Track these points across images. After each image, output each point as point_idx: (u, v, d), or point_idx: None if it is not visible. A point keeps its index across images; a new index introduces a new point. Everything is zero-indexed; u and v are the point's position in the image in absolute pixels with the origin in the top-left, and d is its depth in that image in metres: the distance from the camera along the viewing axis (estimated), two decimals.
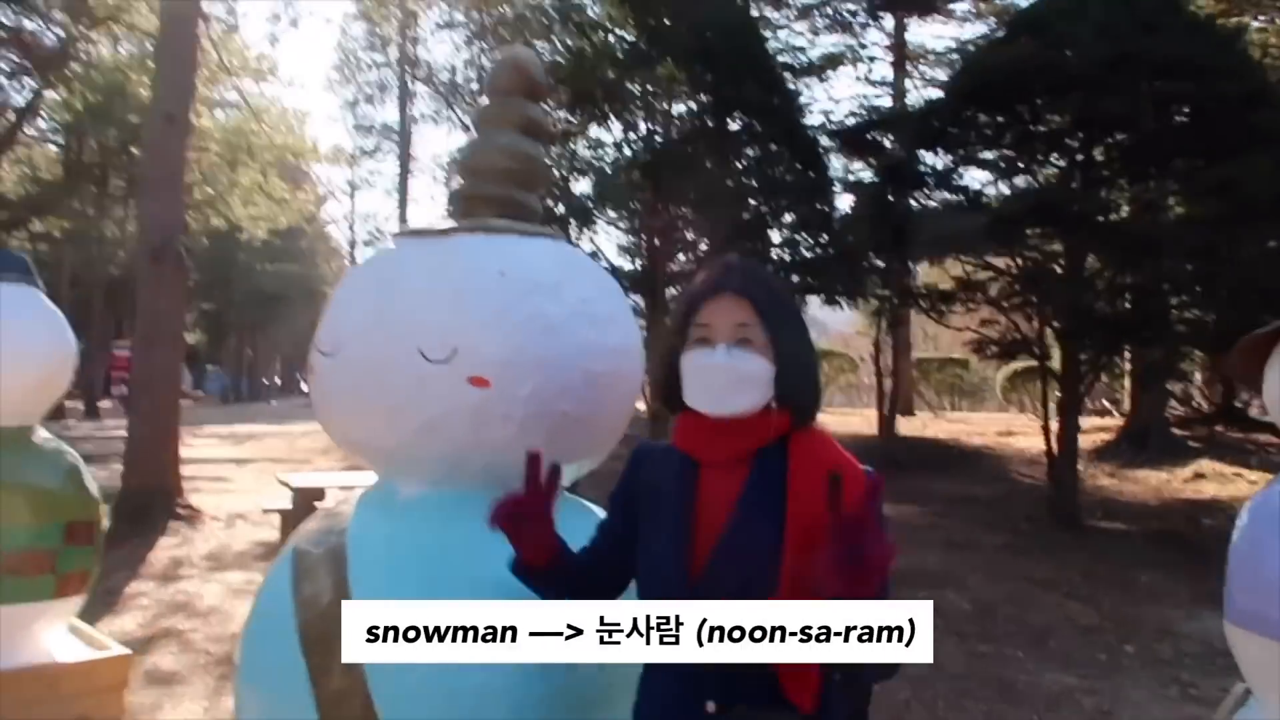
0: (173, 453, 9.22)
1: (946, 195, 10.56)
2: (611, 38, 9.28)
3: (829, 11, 21.76)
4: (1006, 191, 10.96)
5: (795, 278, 9.95)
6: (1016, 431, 16.88)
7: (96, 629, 3.49)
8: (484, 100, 2.26)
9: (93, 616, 5.70)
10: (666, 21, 8.37)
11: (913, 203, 10.73)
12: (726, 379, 1.39)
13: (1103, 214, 8.72)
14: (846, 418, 19.21)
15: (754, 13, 11.60)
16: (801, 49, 17.49)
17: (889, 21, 22.86)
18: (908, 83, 22.95)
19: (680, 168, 8.92)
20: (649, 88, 9.29)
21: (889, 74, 23.09)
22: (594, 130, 9.98)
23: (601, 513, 2.03)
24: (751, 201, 9.36)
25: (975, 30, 22.11)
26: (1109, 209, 9.03)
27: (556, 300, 1.97)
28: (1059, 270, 9.98)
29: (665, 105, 9.53)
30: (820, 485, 1.25)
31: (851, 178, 11.95)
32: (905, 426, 17.19)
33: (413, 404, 1.88)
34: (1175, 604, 7.00)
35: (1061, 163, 10.06)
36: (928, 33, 26.56)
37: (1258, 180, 7.73)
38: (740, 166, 9.27)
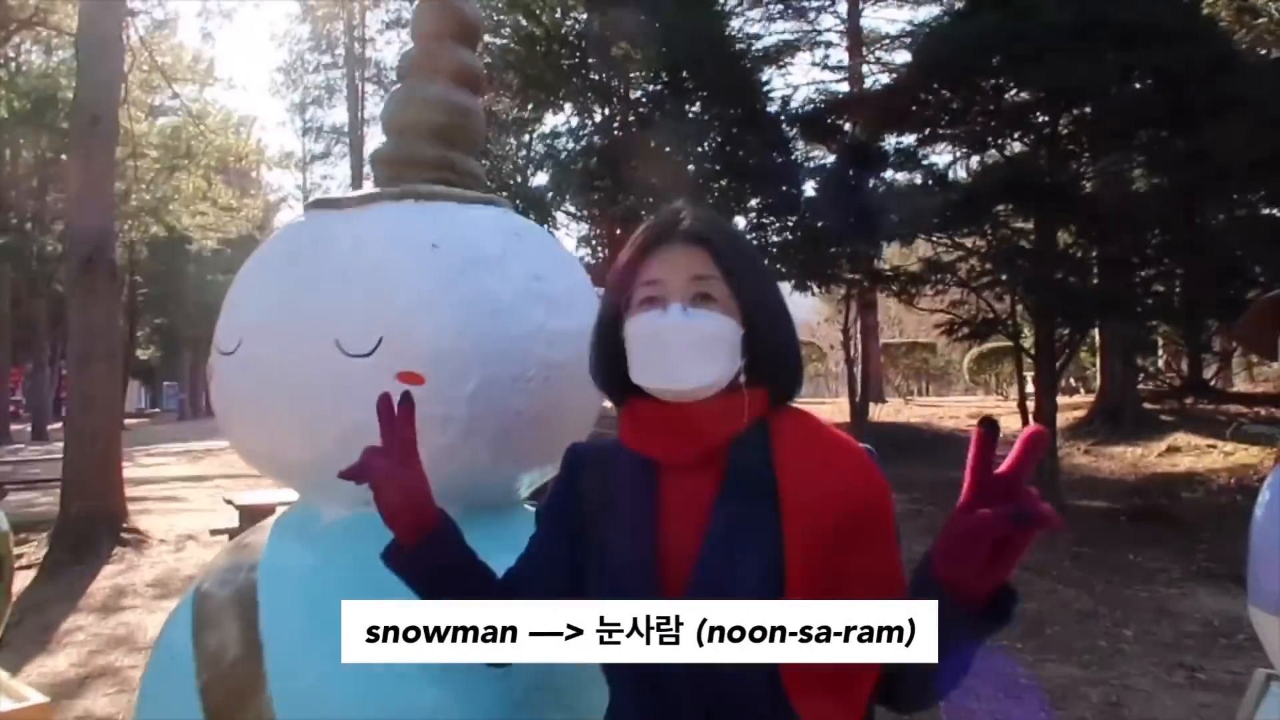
0: (116, 475, 8.70)
1: (912, 175, 10.33)
2: (564, 18, 8.92)
3: None
4: (971, 169, 10.78)
5: (765, 263, 9.64)
6: (989, 413, 16.77)
7: (22, 672, 3.07)
8: (409, 48, 1.90)
9: (22, 658, 5.26)
10: (620, 2, 8.03)
11: (878, 183, 10.49)
12: (684, 342, 1.12)
13: (1074, 187, 8.51)
14: (818, 407, 18.94)
15: None
16: (757, 36, 17.32)
17: (843, 7, 22.76)
18: (865, 68, 22.82)
19: (640, 153, 8.58)
20: (603, 74, 8.92)
21: (845, 59, 22.95)
22: (549, 120, 9.65)
23: None
24: (715, 186, 9.04)
25: (929, 13, 22.01)
26: (1080, 182, 8.83)
27: (502, 276, 1.63)
28: (1029, 247, 9.79)
29: (622, 89, 9.17)
30: (820, 471, 1.08)
31: (813, 164, 11.71)
32: (877, 413, 17.03)
33: (330, 408, 1.54)
34: (1167, 582, 6.82)
35: (1028, 138, 9.85)
36: (882, 17, 26.42)
37: (1230, 147, 7.56)
38: (703, 150, 8.93)
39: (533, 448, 1.71)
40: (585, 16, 8.56)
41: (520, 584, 1.24)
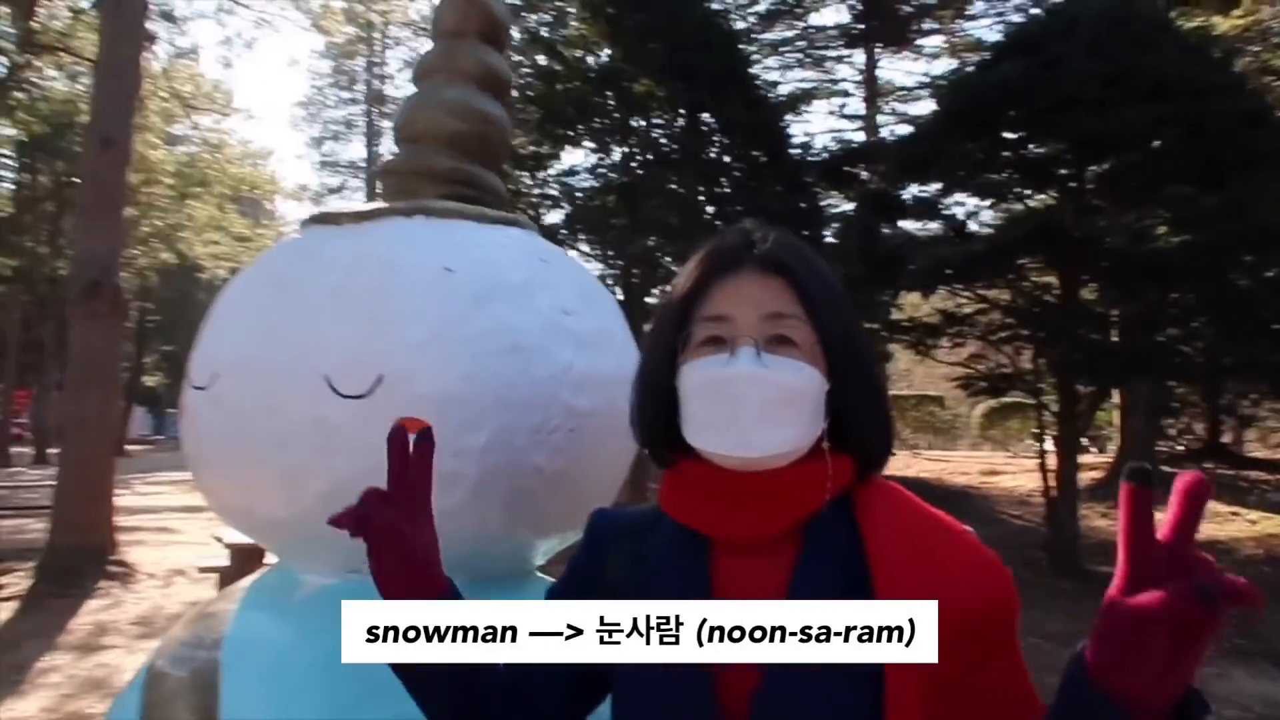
0: (106, 504, 8.43)
1: (933, 224, 10.14)
2: (585, 56, 8.77)
3: (801, 46, 21.71)
4: (992, 220, 10.58)
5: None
6: (1001, 470, 16.42)
7: None
8: (428, 49, 1.68)
9: None
10: (644, 39, 7.87)
11: (897, 233, 10.30)
12: (758, 398, 0.90)
13: (1100, 241, 8.30)
14: None
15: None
16: (775, 83, 17.28)
17: (860, 57, 22.82)
18: (880, 118, 22.83)
19: (659, 193, 8.37)
20: (623, 112, 8.75)
21: (862, 109, 22.97)
22: (566, 157, 9.47)
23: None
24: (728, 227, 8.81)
25: (945, 66, 22.11)
26: (1108, 235, 8.62)
27: (525, 309, 1.39)
28: (1053, 300, 9.55)
29: (642, 127, 9.00)
30: (926, 561, 0.89)
31: (833, 210, 11.54)
32: (887, 467, 16.69)
33: (316, 457, 1.30)
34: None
35: (1052, 190, 9.67)
36: (899, 69, 26.56)
37: (1263, 205, 7.35)
38: (723, 192, 8.73)
39: (553, 511, 1.46)
40: (608, 53, 8.43)
41: (525, 685, 1.00)
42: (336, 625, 1.34)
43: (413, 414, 1.29)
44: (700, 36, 8.11)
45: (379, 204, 1.50)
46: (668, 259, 8.54)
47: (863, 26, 21.40)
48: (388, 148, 34.89)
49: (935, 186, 10.20)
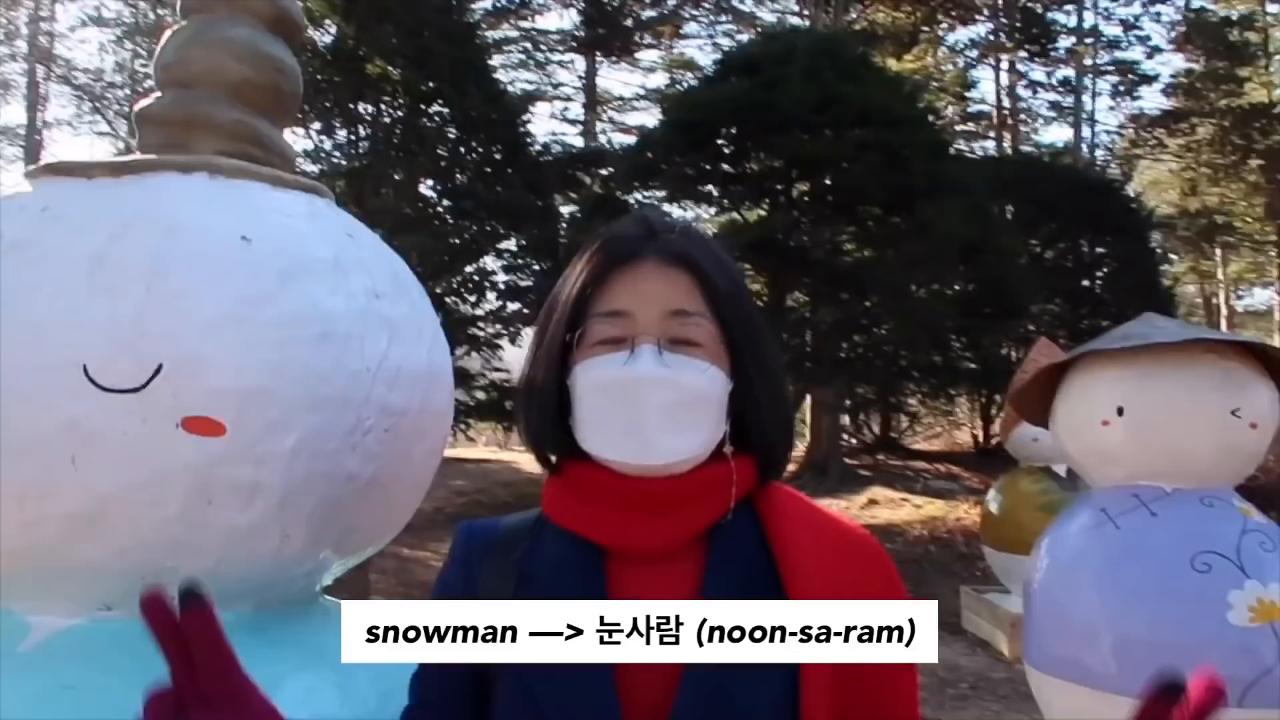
0: None
1: None
2: (311, 30, 8.15)
3: (525, 47, 21.76)
4: (713, 229, 11.18)
5: (520, 307, 9.30)
6: None
7: None
8: None
9: None
10: (380, 20, 7.42)
11: None
12: (660, 402, 0.84)
13: (810, 252, 9.04)
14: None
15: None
16: (500, 81, 17.13)
17: (581, 64, 23.26)
18: (598, 125, 23.39)
19: (388, 182, 7.95)
20: (353, 94, 8.21)
21: (581, 114, 23.41)
22: (288, 136, 8.71)
23: None
24: (467, 224, 8.59)
25: (661, 80, 23.14)
26: (822, 247, 9.39)
27: (338, 290, 1.19)
28: (761, 306, 10.26)
29: (373, 110, 8.51)
30: (835, 573, 0.87)
31: (567, 212, 11.67)
32: None
33: (66, 469, 1.03)
34: None
35: (766, 203, 10.37)
36: (616, 79, 27.37)
37: (944, 225, 8.33)
38: (458, 185, 8.48)
39: (361, 524, 1.27)
40: (335, 31, 7.88)
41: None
42: (86, 678, 1.07)
43: (202, 413, 1.06)
44: (439, 23, 7.81)
45: (144, 156, 1.22)
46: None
47: (584, 34, 21.82)
48: (55, 114, 30.66)
49: (660, 194, 10.60)
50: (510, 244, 9.22)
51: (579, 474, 0.89)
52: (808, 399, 16.61)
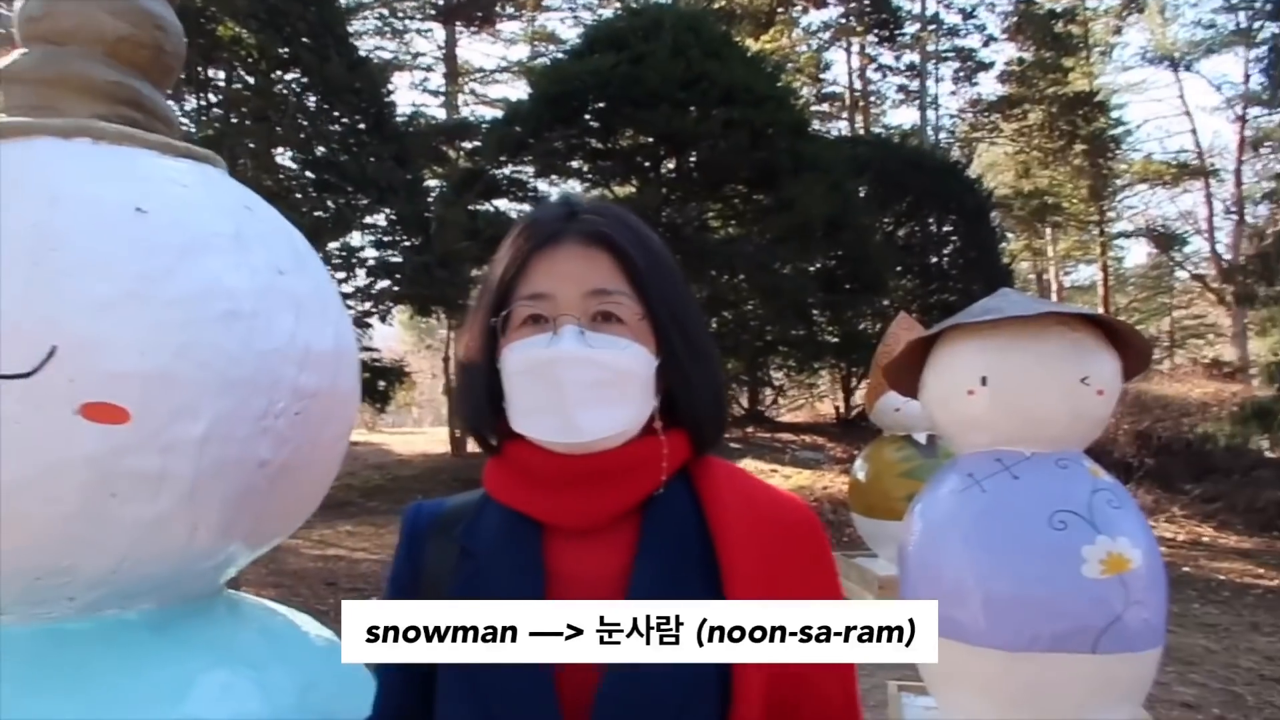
0: None
1: (527, 206, 10.40)
2: None
3: (381, 14, 20.99)
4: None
5: (389, 284, 8.97)
6: None
7: None
8: None
9: None
10: None
11: (492, 210, 10.42)
12: (583, 380, 0.85)
13: (686, 228, 9.14)
14: (411, 438, 18.47)
15: None
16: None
17: (440, 33, 22.63)
18: (460, 98, 22.88)
19: (244, 153, 7.51)
20: (197, 60, 7.68)
21: (442, 85, 22.82)
22: None
23: (307, 624, 1.25)
24: (332, 199, 8.22)
25: (522, 53, 22.81)
26: (691, 224, 9.51)
27: (240, 265, 1.12)
28: None
29: (225, 75, 7.99)
30: (769, 545, 0.88)
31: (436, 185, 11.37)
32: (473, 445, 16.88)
33: None
34: None
35: (634, 179, 10.41)
36: (477, 50, 26.69)
37: (807, 203, 8.58)
38: (320, 157, 8.09)
39: (271, 513, 1.22)
40: None
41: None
42: (23, 684, 0.98)
43: (102, 398, 0.98)
44: None
45: (16, 119, 1.11)
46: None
47: (443, 2, 21.22)
48: None
49: (529, 169, 10.48)
50: (379, 219, 8.91)
51: (516, 453, 0.90)
52: None
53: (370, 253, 9.11)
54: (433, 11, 21.58)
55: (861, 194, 11.72)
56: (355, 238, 9.04)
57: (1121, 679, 2.33)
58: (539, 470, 0.88)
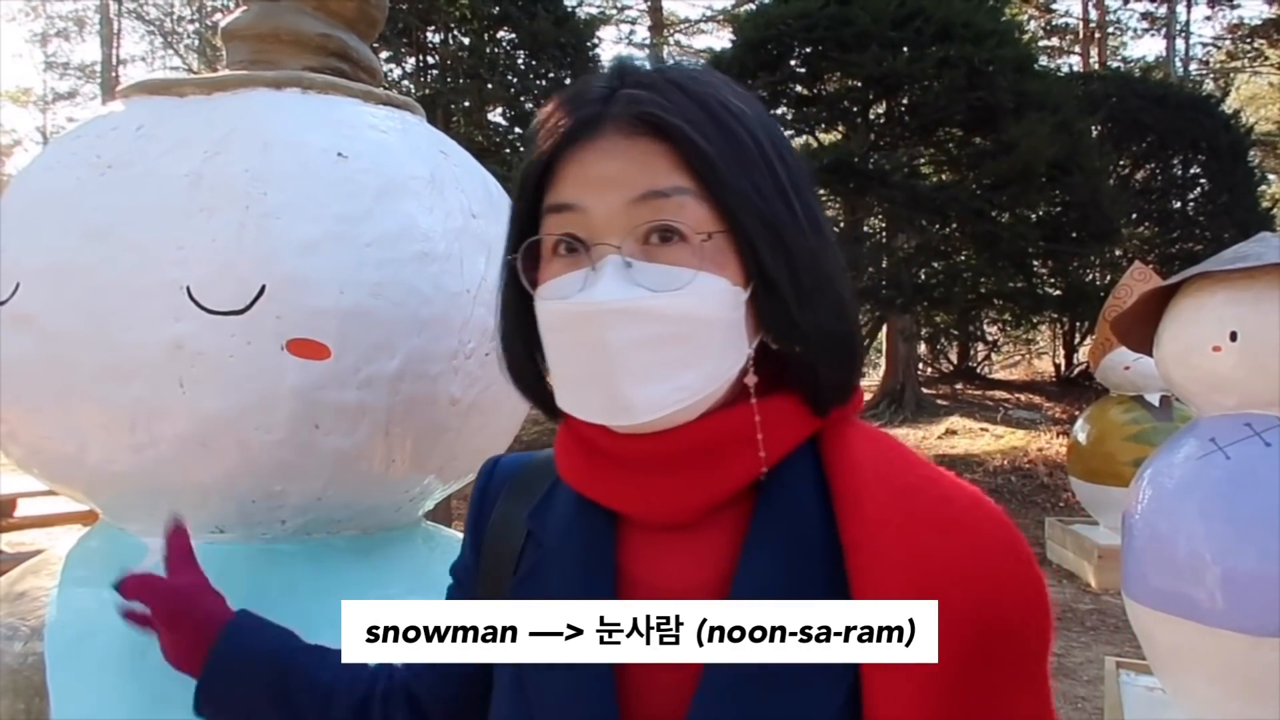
0: None
1: None
2: None
3: None
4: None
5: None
6: None
7: None
8: None
9: None
10: None
11: None
12: (630, 340, 0.62)
13: (890, 176, 8.77)
14: None
15: None
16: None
17: None
18: (665, 50, 22.90)
19: (458, 111, 7.90)
20: (414, 22, 8.11)
21: (648, 38, 22.95)
22: None
23: None
24: None
25: (728, 0, 22.46)
26: (900, 170, 9.11)
27: (435, 208, 1.15)
28: (838, 230, 10.02)
29: (441, 37, 8.42)
30: (931, 545, 0.64)
31: None
32: None
33: (174, 391, 1.01)
34: None
35: (842, 124, 10.05)
36: (682, 1, 26.66)
37: (1028, 145, 7.97)
38: (529, 112, 8.39)
39: (463, 450, 1.25)
40: None
41: (402, 686, 0.89)
42: (242, 598, 1.08)
43: (306, 335, 1.04)
44: None
45: (235, 73, 1.19)
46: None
47: None
48: (128, 51, 31.10)
49: None
50: None
51: (578, 425, 0.70)
52: (884, 327, 16.41)
53: None
54: None
55: (1094, 134, 10.81)
56: None
57: None
58: (601, 451, 0.69)
